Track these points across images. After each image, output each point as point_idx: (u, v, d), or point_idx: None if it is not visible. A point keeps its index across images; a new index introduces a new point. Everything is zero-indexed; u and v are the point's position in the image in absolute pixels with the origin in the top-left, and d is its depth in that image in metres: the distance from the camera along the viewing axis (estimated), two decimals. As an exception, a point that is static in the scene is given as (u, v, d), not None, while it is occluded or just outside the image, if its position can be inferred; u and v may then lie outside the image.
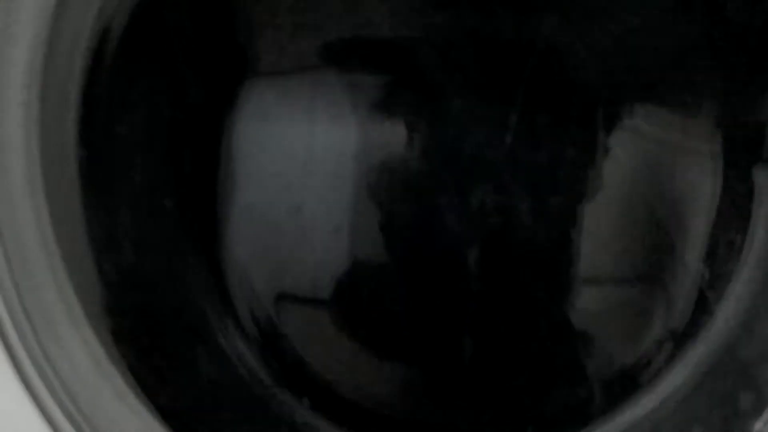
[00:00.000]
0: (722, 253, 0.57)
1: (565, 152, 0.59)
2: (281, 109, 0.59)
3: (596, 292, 0.61)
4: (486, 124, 0.59)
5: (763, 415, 0.53)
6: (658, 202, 0.59)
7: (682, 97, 0.60)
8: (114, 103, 0.51)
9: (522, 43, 0.59)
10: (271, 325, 0.60)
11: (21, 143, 0.44)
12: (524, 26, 0.58)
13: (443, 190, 0.60)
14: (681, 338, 0.58)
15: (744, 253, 0.57)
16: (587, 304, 0.60)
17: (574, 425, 0.58)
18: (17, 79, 0.43)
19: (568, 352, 0.60)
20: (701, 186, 0.59)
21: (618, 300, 0.62)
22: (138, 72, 0.53)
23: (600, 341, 0.61)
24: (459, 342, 0.60)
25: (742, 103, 0.57)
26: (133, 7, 0.54)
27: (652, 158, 0.60)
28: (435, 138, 0.60)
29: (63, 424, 0.47)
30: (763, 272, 0.55)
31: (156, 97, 0.55)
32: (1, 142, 0.44)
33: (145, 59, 0.54)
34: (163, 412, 0.51)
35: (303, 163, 0.59)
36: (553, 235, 0.60)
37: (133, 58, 0.51)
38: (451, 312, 0.61)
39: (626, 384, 0.59)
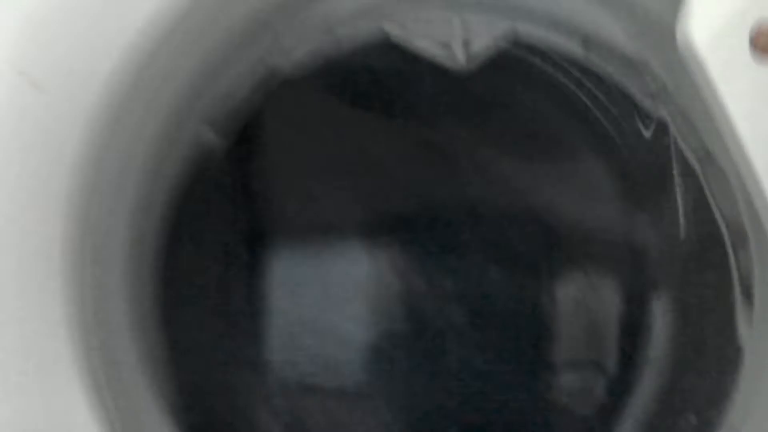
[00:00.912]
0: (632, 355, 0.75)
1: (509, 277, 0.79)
2: (306, 264, 0.80)
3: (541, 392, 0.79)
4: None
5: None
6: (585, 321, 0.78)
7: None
8: (178, 268, 0.69)
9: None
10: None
11: (120, 288, 0.62)
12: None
13: (422, 308, 0.80)
14: (611, 420, 0.75)
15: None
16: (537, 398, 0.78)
17: None
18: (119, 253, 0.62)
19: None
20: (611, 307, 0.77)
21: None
22: (196, 238, 0.73)
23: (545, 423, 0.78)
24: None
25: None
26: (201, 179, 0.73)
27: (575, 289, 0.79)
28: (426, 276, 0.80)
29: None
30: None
31: (208, 255, 0.75)
32: (107, 291, 0.60)
33: (204, 224, 0.74)
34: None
35: (319, 295, 0.79)
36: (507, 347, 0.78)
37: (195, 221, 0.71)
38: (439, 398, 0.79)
39: None
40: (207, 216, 0.75)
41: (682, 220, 0.69)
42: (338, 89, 0.77)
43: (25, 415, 0.55)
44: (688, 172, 0.67)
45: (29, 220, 0.55)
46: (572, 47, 0.66)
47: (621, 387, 0.77)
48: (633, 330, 0.78)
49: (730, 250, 0.64)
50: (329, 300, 0.81)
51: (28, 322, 0.55)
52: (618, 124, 0.73)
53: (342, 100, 0.79)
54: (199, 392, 0.72)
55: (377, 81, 0.77)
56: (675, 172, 0.69)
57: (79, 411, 0.56)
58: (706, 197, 0.66)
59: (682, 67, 0.55)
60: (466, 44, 0.65)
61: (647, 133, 0.69)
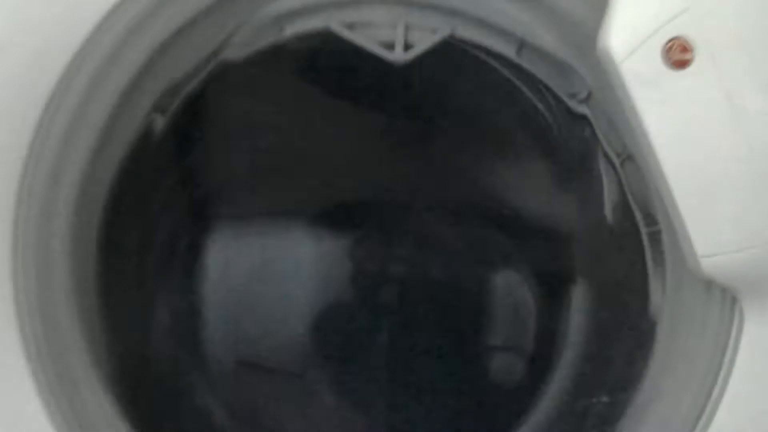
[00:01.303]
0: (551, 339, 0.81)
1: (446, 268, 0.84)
2: (248, 243, 0.83)
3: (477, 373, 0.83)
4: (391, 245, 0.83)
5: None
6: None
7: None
8: (121, 239, 0.72)
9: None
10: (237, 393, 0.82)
11: (60, 247, 0.63)
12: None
13: (361, 288, 0.83)
14: (533, 397, 0.80)
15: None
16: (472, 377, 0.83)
17: None
18: (61, 221, 0.63)
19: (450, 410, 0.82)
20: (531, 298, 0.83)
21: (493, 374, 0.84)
22: (140, 212, 0.76)
23: (470, 398, 0.83)
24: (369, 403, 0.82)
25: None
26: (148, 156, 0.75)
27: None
28: (355, 254, 0.84)
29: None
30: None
31: (150, 230, 0.78)
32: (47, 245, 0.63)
33: (148, 199, 0.76)
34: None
35: (260, 272, 0.82)
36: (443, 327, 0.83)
37: (139, 196, 0.73)
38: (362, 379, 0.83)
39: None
40: (150, 194, 0.78)
41: (604, 209, 0.74)
42: (282, 74, 0.80)
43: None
44: (610, 167, 0.72)
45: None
46: (507, 50, 0.70)
47: (541, 369, 0.82)
48: (553, 314, 0.83)
49: (644, 233, 0.69)
50: (270, 279, 0.84)
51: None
52: (547, 119, 0.77)
53: (286, 85, 0.82)
54: (136, 365, 0.74)
55: (321, 67, 0.80)
56: (598, 166, 0.73)
57: (20, 376, 0.60)
58: (623, 190, 0.71)
59: (603, 73, 0.59)
60: (407, 45, 0.69)
61: (573, 130, 0.74)
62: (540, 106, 0.75)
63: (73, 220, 0.65)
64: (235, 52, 0.70)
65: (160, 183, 0.79)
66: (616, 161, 0.71)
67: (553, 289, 0.84)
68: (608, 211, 0.74)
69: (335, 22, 0.69)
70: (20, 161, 0.60)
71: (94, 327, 0.68)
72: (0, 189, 0.60)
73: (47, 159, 0.61)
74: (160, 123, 0.72)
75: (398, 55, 0.69)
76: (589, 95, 0.70)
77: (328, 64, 0.78)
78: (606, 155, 0.71)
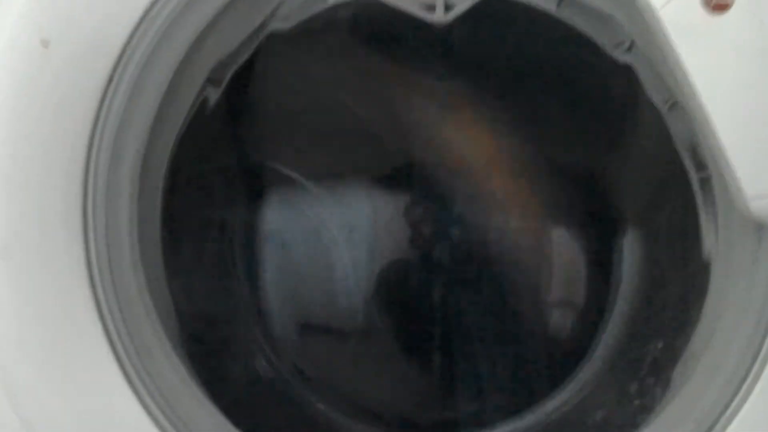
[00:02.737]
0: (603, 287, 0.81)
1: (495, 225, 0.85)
2: (299, 201, 0.85)
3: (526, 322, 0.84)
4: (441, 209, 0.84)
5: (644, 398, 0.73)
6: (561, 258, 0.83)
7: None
8: (184, 204, 0.75)
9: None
10: (300, 353, 0.84)
11: (127, 228, 0.65)
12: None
13: (416, 247, 0.85)
14: (586, 347, 0.81)
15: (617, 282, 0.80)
16: (520, 329, 0.84)
17: (517, 409, 0.80)
18: (125, 188, 0.65)
19: (508, 365, 0.83)
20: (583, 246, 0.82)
21: (543, 325, 0.85)
22: (196, 187, 0.78)
23: (532, 352, 0.84)
24: (431, 358, 0.84)
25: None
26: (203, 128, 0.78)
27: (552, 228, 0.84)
28: (406, 218, 0.86)
29: (160, 418, 0.65)
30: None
31: (211, 200, 0.80)
32: (114, 232, 0.66)
33: (207, 170, 0.79)
34: (226, 411, 0.72)
35: (314, 236, 0.85)
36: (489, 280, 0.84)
37: (186, 179, 0.75)
38: (423, 336, 0.85)
39: (548, 382, 0.81)
40: (207, 165, 0.80)
41: (653, 157, 0.74)
42: (328, 42, 0.82)
43: (42, 338, 0.62)
44: (656, 115, 0.72)
45: (52, 163, 0.62)
46: (546, 4, 0.70)
47: (595, 319, 0.83)
48: (606, 264, 0.83)
49: (694, 179, 0.69)
50: (328, 243, 0.87)
51: (51, 259, 0.62)
52: (590, 71, 0.77)
53: (333, 53, 0.83)
54: (203, 330, 0.77)
55: (365, 33, 0.81)
56: (644, 115, 0.73)
57: (97, 345, 0.64)
58: (671, 137, 0.70)
59: (643, 20, 0.59)
60: (448, 6, 0.69)
61: (617, 81, 0.74)
62: (583, 58, 0.75)
63: (136, 194, 0.67)
64: (282, 24, 0.71)
65: (216, 153, 0.82)
66: (663, 108, 0.71)
67: (605, 239, 0.84)
68: (657, 158, 0.74)
69: None
70: (83, 143, 0.63)
71: (161, 294, 0.71)
72: (66, 173, 0.63)
73: (108, 139, 0.64)
74: (213, 95, 0.74)
75: (439, 16, 0.70)
76: (632, 45, 0.70)
77: (372, 30, 0.79)
78: (652, 103, 0.71)
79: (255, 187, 0.85)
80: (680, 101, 0.67)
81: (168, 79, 0.66)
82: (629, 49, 0.70)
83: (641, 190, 0.80)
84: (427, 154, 0.86)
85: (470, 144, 0.86)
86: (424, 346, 0.86)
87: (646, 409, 0.70)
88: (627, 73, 0.71)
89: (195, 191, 0.78)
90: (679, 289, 0.73)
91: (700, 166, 0.69)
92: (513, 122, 0.85)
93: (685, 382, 0.67)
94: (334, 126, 0.86)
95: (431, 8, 0.70)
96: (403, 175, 0.87)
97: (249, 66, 0.74)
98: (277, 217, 0.85)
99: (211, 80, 0.73)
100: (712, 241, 0.69)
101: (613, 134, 0.81)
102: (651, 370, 0.74)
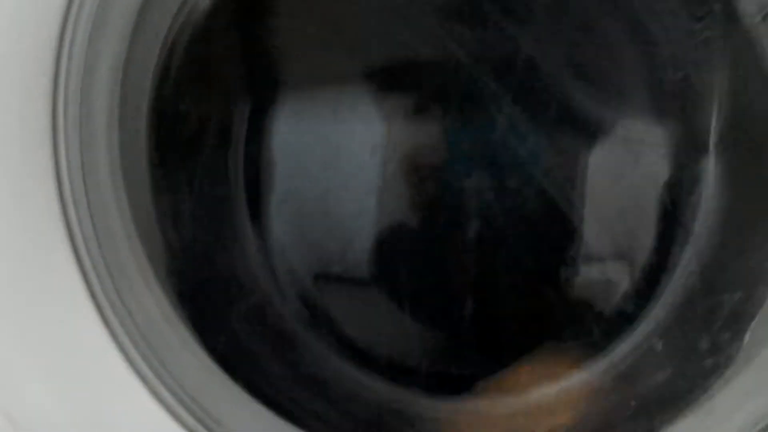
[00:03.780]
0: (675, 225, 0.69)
1: (547, 143, 0.71)
2: (310, 114, 0.72)
3: (576, 264, 0.72)
4: (479, 124, 0.71)
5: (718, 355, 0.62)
6: (624, 189, 0.71)
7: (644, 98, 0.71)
8: (175, 110, 0.64)
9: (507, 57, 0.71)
10: (308, 292, 0.73)
11: (105, 138, 0.57)
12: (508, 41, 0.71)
13: (445, 174, 0.72)
14: (647, 297, 0.69)
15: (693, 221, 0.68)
16: (567, 268, 0.71)
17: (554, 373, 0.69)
18: (103, 82, 0.56)
19: (555, 308, 0.71)
20: (657, 173, 0.70)
21: (594, 268, 0.72)
22: (194, 79, 0.67)
23: (580, 298, 0.72)
24: (462, 303, 0.72)
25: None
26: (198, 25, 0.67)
27: (621, 149, 0.71)
28: (443, 134, 0.72)
29: (139, 362, 0.59)
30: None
31: (207, 105, 0.68)
32: (90, 137, 0.57)
33: (198, 73, 0.67)
34: (219, 358, 0.64)
35: (330, 156, 0.72)
36: (536, 212, 0.72)
37: (188, 72, 0.64)
38: (455, 278, 0.72)
39: (607, 332, 0.69)
40: (202, 71, 0.68)
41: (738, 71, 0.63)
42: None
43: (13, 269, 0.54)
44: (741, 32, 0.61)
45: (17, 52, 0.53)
46: None
47: (662, 260, 0.71)
48: (673, 203, 0.71)
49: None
50: (337, 167, 0.74)
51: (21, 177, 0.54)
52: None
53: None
54: (192, 261, 0.67)
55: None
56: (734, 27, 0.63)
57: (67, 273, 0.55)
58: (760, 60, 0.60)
59: None
60: None
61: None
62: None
63: (116, 98, 0.57)
64: None
65: (212, 57, 0.70)
66: (755, 19, 0.60)
67: (680, 165, 0.72)
68: (743, 75, 0.63)
69: None
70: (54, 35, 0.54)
71: (145, 216, 0.60)
72: (34, 68, 0.54)
73: (81, 36, 0.55)
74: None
75: None
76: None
77: None
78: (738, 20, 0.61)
79: (262, 91, 0.73)
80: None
81: None
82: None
83: (723, 107, 0.68)
84: (467, 59, 0.73)
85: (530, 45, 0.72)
86: (454, 291, 0.74)
87: (720, 368, 0.60)
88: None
89: (189, 95, 0.67)
90: (762, 231, 0.63)
91: None
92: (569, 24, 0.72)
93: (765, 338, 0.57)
94: (343, 23, 0.73)
95: None
96: (429, 83, 0.74)
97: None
98: (286, 130, 0.73)
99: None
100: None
101: (696, 46, 0.69)
102: (726, 324, 0.63)
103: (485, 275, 0.72)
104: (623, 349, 0.69)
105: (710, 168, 0.69)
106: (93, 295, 0.56)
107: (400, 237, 0.73)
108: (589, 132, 0.71)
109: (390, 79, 0.72)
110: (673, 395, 0.62)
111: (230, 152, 0.70)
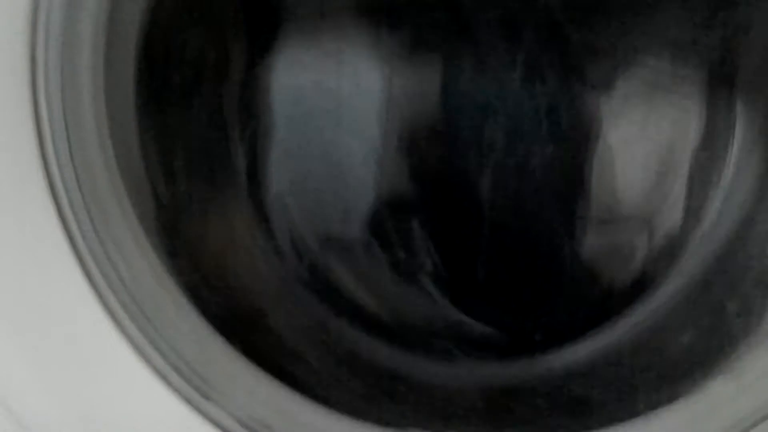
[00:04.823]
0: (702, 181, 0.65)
1: (566, 95, 0.66)
2: (311, 55, 0.67)
3: (593, 222, 0.68)
4: (495, 71, 0.67)
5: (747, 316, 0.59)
6: (649, 143, 0.67)
7: (669, 48, 0.66)
8: (167, 50, 0.59)
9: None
10: (307, 250, 0.68)
11: (90, 84, 0.53)
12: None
13: (459, 126, 0.68)
14: (671, 256, 0.65)
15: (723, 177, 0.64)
16: (587, 227, 0.67)
17: (580, 330, 0.65)
18: (87, 23, 0.51)
19: (571, 270, 0.67)
20: (688, 126, 0.66)
21: (614, 227, 0.68)
22: (186, 20, 0.62)
23: (599, 261, 0.68)
24: (474, 262, 0.68)
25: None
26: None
27: (646, 102, 0.67)
28: (452, 82, 0.68)
29: (128, 325, 0.55)
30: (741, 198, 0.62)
31: (202, 45, 0.63)
32: (73, 83, 0.53)
33: (193, 7, 0.62)
34: (213, 319, 0.60)
35: (331, 102, 0.67)
36: (554, 169, 0.67)
37: (182, 6, 0.59)
38: (467, 236, 0.68)
39: (624, 297, 0.66)
40: (197, 8, 0.63)
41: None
42: None
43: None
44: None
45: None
46: None
47: (690, 219, 0.67)
48: (708, 158, 0.66)
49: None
50: (338, 117, 0.69)
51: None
52: None
53: None
54: (187, 217, 0.62)
55: None
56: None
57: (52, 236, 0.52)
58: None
59: None
60: None
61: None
62: None
63: (101, 43, 0.53)
64: None
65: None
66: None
67: (707, 118, 0.67)
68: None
69: None
70: None
71: (134, 166, 0.56)
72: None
73: None
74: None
75: None
76: None
77: None
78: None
79: (259, 31, 0.68)
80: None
81: None
82: None
83: (758, 52, 0.63)
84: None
85: None
86: (463, 245, 0.69)
87: (750, 330, 0.56)
88: None
89: (181, 34, 0.62)
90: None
91: None
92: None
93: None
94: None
95: None
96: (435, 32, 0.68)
97: None
98: (286, 73, 0.68)
99: None
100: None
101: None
102: (757, 284, 0.59)
103: (498, 234, 0.68)
104: (646, 310, 0.65)
105: (740, 117, 0.65)
106: (78, 255, 0.53)
107: (405, 194, 0.69)
108: (609, 80, 0.66)
109: (395, 17, 0.67)
110: (700, 358, 0.59)
111: (225, 98, 0.65)
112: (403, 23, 0.67)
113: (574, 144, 0.67)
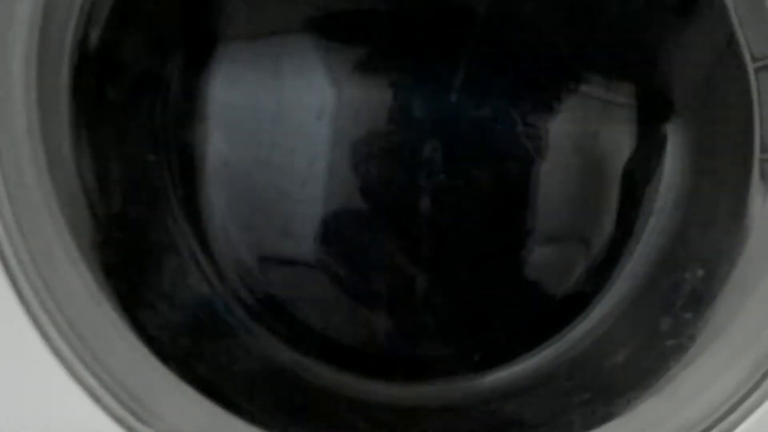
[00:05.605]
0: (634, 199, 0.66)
1: (507, 110, 0.67)
2: (251, 70, 0.67)
3: (531, 239, 0.69)
4: (435, 86, 0.67)
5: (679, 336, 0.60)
6: (581, 162, 0.68)
7: (610, 65, 0.68)
8: (103, 64, 0.58)
9: (467, 11, 0.67)
10: (246, 270, 0.67)
11: (22, 96, 0.51)
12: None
13: (398, 144, 0.68)
14: (604, 276, 0.66)
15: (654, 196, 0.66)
16: (523, 247, 0.68)
17: (516, 351, 0.66)
18: (20, 33, 0.50)
19: (509, 289, 0.68)
20: (621, 144, 0.68)
21: (550, 247, 0.69)
22: (125, 34, 0.60)
23: (535, 279, 0.69)
24: (414, 282, 0.68)
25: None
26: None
27: (578, 121, 0.68)
28: (391, 97, 0.68)
29: (60, 345, 0.54)
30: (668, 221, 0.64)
31: (140, 59, 0.62)
32: (5, 94, 0.51)
33: (131, 21, 0.61)
34: (148, 339, 0.58)
35: (271, 120, 0.66)
36: (492, 186, 0.68)
37: (120, 19, 0.58)
38: (406, 256, 0.68)
39: (559, 317, 0.66)
40: (135, 16, 0.62)
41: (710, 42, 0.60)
42: None
43: None
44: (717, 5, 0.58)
45: None
46: None
47: (622, 237, 0.68)
48: (640, 175, 0.68)
49: (750, 70, 0.56)
50: (278, 132, 0.68)
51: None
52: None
53: None
54: (122, 233, 0.61)
55: None
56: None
57: None
58: (729, 19, 0.57)
59: None
60: None
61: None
62: None
63: (34, 54, 0.51)
64: None
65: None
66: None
67: (640, 139, 0.69)
68: (710, 39, 0.60)
69: None
70: None
71: (68, 180, 0.54)
72: None
73: None
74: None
75: None
76: None
77: None
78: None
79: (198, 42, 0.66)
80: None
81: None
82: None
83: (689, 73, 0.65)
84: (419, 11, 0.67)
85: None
86: (402, 266, 0.69)
87: (682, 349, 0.58)
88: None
89: (118, 44, 0.60)
90: (726, 206, 0.60)
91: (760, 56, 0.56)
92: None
93: (731, 317, 0.54)
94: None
95: None
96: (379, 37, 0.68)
97: None
98: (224, 87, 0.67)
99: None
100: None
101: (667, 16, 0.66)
102: (688, 304, 0.60)
103: (437, 253, 0.68)
104: (580, 331, 0.66)
105: (674, 135, 0.66)
106: (8, 269, 0.50)
107: (346, 213, 0.69)
108: (549, 98, 0.67)
109: (337, 33, 0.67)
110: (633, 378, 0.59)
111: (162, 111, 0.64)
112: (343, 41, 0.67)
113: (511, 164, 0.68)
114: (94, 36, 0.56)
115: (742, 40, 0.58)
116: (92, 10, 0.55)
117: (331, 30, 0.67)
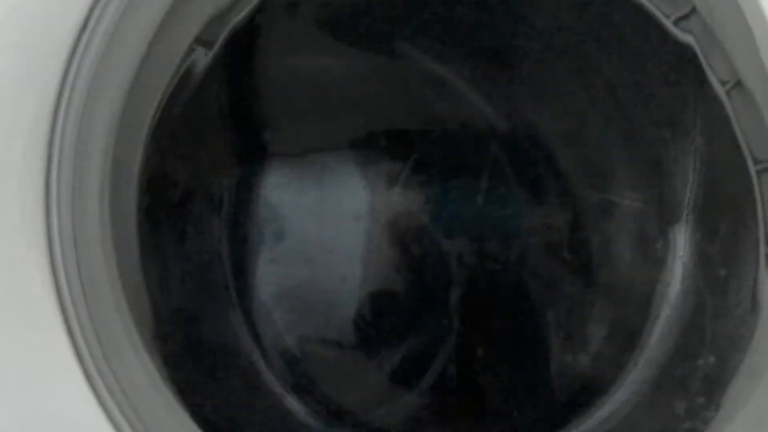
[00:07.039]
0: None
1: (524, 209, 0.74)
2: (297, 180, 0.74)
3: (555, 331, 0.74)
4: (462, 191, 0.74)
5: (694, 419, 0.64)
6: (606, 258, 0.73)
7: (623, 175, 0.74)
8: (166, 175, 0.65)
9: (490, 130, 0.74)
10: (290, 357, 0.73)
11: (96, 206, 0.58)
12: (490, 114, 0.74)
13: (430, 242, 0.74)
14: (623, 366, 0.71)
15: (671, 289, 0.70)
16: (548, 339, 0.73)
17: None
18: (98, 142, 0.57)
19: (533, 377, 0.73)
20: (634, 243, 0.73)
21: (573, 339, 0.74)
22: (184, 146, 0.68)
23: (558, 368, 0.73)
24: (445, 369, 0.73)
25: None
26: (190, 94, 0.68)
27: (602, 224, 0.74)
28: (424, 202, 0.75)
29: (125, 427, 0.59)
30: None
31: (196, 169, 0.69)
32: (83, 207, 0.57)
33: (192, 134, 0.68)
34: (204, 423, 0.63)
35: (315, 225, 0.74)
36: (516, 276, 0.73)
37: (184, 132, 0.65)
38: (437, 344, 0.74)
39: (580, 402, 0.71)
40: (193, 137, 0.70)
41: (709, 141, 0.65)
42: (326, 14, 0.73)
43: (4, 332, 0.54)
44: (712, 100, 0.63)
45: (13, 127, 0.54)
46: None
47: (636, 327, 0.73)
48: (651, 267, 0.73)
49: (752, 169, 0.60)
50: (321, 234, 0.75)
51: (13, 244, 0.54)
52: (643, 49, 0.68)
53: (329, 26, 0.74)
54: (181, 326, 0.67)
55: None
56: (698, 99, 0.65)
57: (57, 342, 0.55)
58: (731, 126, 0.62)
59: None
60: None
61: (675, 58, 0.65)
62: (641, 34, 0.66)
63: (108, 168, 0.58)
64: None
65: (203, 124, 0.71)
66: (722, 93, 0.62)
67: (654, 234, 0.74)
68: (714, 145, 0.65)
69: None
70: (47, 111, 0.54)
71: (134, 283, 0.61)
72: (28, 142, 0.54)
73: (77, 104, 0.55)
74: (202, 59, 0.64)
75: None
76: (693, 11, 0.61)
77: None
78: (709, 86, 0.63)
79: (250, 159, 0.74)
80: (747, 81, 0.59)
81: (147, 38, 0.57)
82: (688, 16, 0.61)
83: (696, 178, 0.70)
84: (449, 129, 0.75)
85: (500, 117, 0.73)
86: (435, 351, 0.75)
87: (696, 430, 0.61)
88: (685, 50, 0.63)
89: (179, 161, 0.67)
90: (737, 295, 0.64)
91: (761, 156, 0.61)
92: (543, 97, 0.74)
93: (742, 403, 0.58)
94: (336, 95, 0.74)
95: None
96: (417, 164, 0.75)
97: (246, 25, 0.64)
98: (272, 197, 0.74)
99: (201, 39, 0.63)
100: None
101: (667, 114, 0.72)
102: (702, 388, 0.64)
103: (466, 342, 0.73)
104: (599, 416, 0.70)
105: (685, 233, 0.71)
106: (81, 361, 0.56)
107: (383, 302, 0.75)
108: (566, 202, 0.73)
109: (374, 148, 0.74)
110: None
111: (217, 218, 0.71)
112: (385, 153, 0.74)
113: (542, 263, 0.74)
114: (159, 152, 0.63)
115: (743, 145, 0.63)
116: (158, 132, 0.62)
117: (367, 144, 0.74)
